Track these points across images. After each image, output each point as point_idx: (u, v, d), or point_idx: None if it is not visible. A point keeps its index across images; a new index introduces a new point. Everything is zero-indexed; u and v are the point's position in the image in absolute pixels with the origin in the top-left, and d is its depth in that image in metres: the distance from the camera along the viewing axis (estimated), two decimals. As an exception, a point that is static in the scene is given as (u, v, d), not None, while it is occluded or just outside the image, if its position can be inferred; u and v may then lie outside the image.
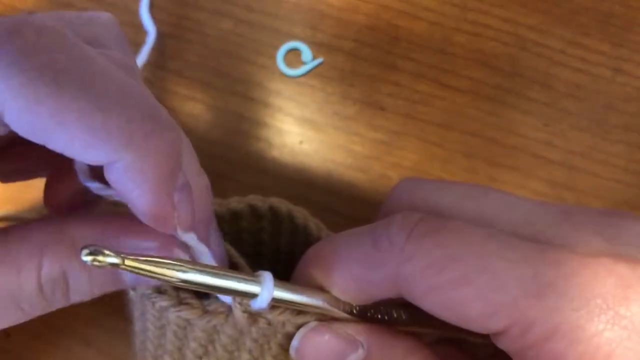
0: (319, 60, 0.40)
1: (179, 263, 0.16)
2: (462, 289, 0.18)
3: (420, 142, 0.39)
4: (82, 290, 0.19)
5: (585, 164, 0.39)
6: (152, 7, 0.41)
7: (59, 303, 0.19)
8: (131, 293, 0.22)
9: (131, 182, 0.17)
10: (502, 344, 0.18)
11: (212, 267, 0.18)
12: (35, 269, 0.18)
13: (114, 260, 0.15)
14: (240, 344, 0.22)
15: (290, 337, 0.21)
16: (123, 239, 0.19)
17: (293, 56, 0.41)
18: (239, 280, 0.18)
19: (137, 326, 0.24)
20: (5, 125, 0.16)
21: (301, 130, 0.39)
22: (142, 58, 0.39)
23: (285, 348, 0.22)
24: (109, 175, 0.17)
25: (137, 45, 0.41)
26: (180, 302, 0.21)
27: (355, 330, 0.21)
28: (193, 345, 0.22)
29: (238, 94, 0.40)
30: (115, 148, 0.16)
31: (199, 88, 0.40)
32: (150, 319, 0.22)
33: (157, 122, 0.17)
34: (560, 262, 0.17)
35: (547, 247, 0.18)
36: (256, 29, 0.41)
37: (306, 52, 0.40)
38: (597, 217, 0.19)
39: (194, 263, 0.17)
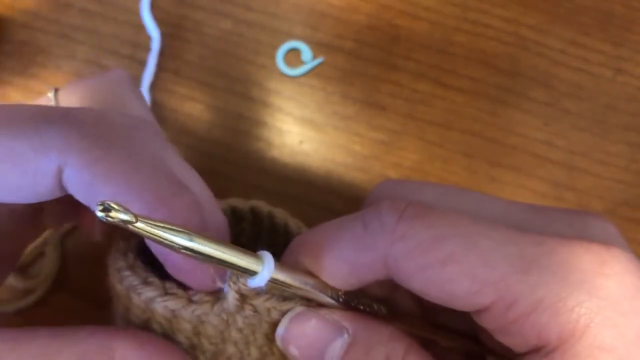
0: (319, 60, 0.40)
1: (186, 231, 0.17)
2: (450, 267, 0.18)
3: (421, 142, 0.39)
4: None
5: (586, 163, 0.38)
6: (152, 8, 0.41)
7: None
8: (117, 287, 0.22)
9: None
10: (486, 320, 0.19)
11: (217, 240, 0.18)
12: None
13: (126, 217, 0.15)
14: (225, 335, 0.22)
15: (275, 325, 0.22)
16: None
17: (293, 56, 0.40)
18: (242, 255, 0.19)
19: (120, 325, 0.24)
20: (62, 188, 0.20)
21: (301, 130, 0.39)
22: (150, 65, 0.39)
23: (270, 338, 0.22)
24: None
25: (137, 46, 0.41)
26: (166, 292, 0.21)
27: (341, 317, 0.21)
28: (179, 338, 0.22)
29: (238, 93, 0.40)
30: (148, 204, 0.19)
31: (199, 88, 0.40)
32: (136, 312, 0.22)
33: (180, 186, 0.20)
34: (541, 242, 0.18)
35: (527, 232, 0.19)
36: (256, 29, 0.41)
37: (306, 52, 0.40)
38: (566, 214, 0.21)
39: (202, 234, 0.17)
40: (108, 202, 0.15)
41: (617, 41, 0.41)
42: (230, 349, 0.22)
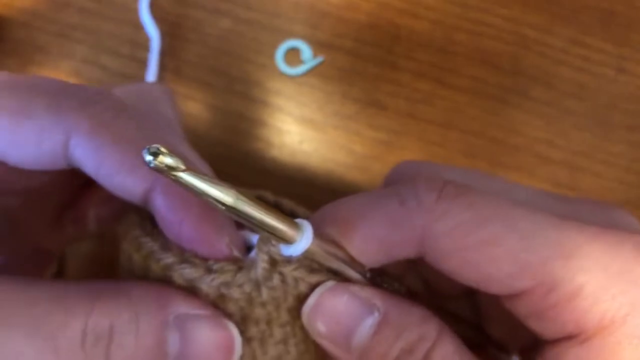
0: (319, 59, 0.40)
1: (233, 189, 0.16)
2: (493, 249, 0.18)
3: (421, 141, 0.39)
4: (126, 347, 0.19)
5: (587, 163, 0.38)
6: (152, 7, 0.40)
7: None
8: (135, 256, 0.21)
9: (176, 204, 0.20)
10: (520, 305, 0.19)
11: (260, 202, 0.17)
12: (84, 313, 0.18)
13: (173, 162, 0.15)
14: (247, 312, 0.21)
15: (301, 299, 0.20)
16: (176, 305, 0.20)
17: (293, 55, 0.40)
18: (282, 221, 0.18)
19: None
20: (66, 159, 0.20)
21: (301, 129, 0.39)
22: (152, 65, 0.39)
23: (294, 315, 0.21)
24: (154, 203, 0.20)
25: (136, 45, 0.40)
26: (184, 260, 0.20)
27: (371, 294, 0.20)
28: None
29: (237, 93, 0.40)
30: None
31: (199, 87, 0.40)
32: None
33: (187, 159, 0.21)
34: (582, 229, 0.18)
35: (565, 218, 0.19)
36: (256, 28, 0.41)
37: (306, 51, 0.40)
38: (589, 204, 0.21)
39: (246, 194, 0.17)
40: (157, 146, 0.15)
41: (618, 40, 0.41)
42: (252, 330, 0.21)
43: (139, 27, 0.40)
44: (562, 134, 0.39)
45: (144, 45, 0.40)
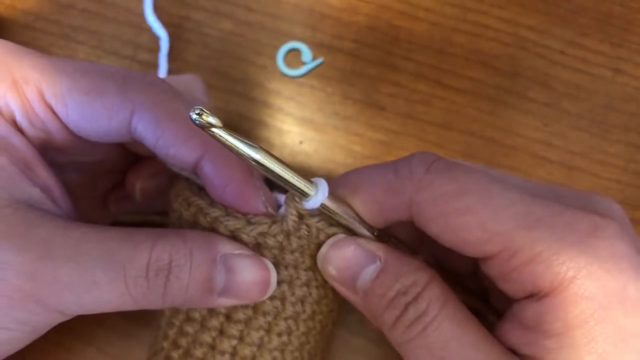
0: (319, 60, 0.40)
1: (257, 146, 0.20)
2: (466, 217, 0.21)
3: (420, 142, 0.39)
4: (181, 279, 0.22)
5: (585, 164, 0.39)
6: (154, 8, 0.41)
7: (154, 294, 0.22)
8: (185, 214, 0.25)
9: (222, 170, 0.24)
10: (490, 267, 0.22)
11: (280, 160, 0.21)
12: (148, 249, 0.22)
13: (213, 120, 0.18)
14: (279, 259, 0.24)
15: (320, 247, 0.24)
16: (223, 246, 0.23)
17: (293, 56, 0.41)
18: (298, 177, 0.21)
19: None
20: (129, 132, 0.24)
21: (301, 130, 0.39)
22: (162, 66, 0.39)
23: (315, 261, 0.25)
24: (203, 169, 0.24)
25: (138, 46, 0.41)
26: (228, 214, 0.24)
27: (375, 247, 0.24)
28: None
29: (238, 94, 0.40)
30: (203, 142, 0.24)
31: (200, 88, 0.40)
32: None
33: None
34: (547, 206, 0.21)
35: (536, 196, 0.22)
36: (256, 30, 0.41)
37: (306, 53, 0.40)
38: (575, 191, 0.24)
39: (269, 153, 0.20)
40: (200, 107, 0.18)
41: (616, 42, 0.41)
42: (283, 273, 0.25)
43: (141, 28, 0.41)
44: (559, 135, 0.39)
45: (146, 46, 0.41)
